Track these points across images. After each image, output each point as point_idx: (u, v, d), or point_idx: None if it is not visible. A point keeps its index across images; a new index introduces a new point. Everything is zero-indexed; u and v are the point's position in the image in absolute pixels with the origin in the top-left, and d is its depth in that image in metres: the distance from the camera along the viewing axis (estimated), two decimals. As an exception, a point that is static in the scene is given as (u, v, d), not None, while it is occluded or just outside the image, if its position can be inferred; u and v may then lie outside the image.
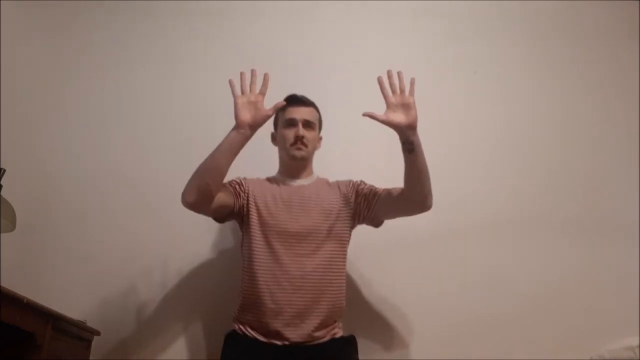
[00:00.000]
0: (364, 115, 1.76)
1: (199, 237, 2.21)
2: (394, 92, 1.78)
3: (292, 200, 1.90)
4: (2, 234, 2.01)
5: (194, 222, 1.95)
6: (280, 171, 2.04)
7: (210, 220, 1.91)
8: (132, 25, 2.58)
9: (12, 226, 1.96)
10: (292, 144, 1.94)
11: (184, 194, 1.77)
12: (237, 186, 1.91)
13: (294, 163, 1.97)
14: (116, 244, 2.25)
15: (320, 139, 2.07)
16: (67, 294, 2.10)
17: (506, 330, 2.16)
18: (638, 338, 1.69)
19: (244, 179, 1.95)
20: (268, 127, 1.97)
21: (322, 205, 1.90)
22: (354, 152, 2.33)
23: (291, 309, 1.77)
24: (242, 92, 1.78)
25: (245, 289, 1.84)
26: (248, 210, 1.88)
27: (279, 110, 1.95)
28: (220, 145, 1.76)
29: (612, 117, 2.52)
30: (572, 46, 2.61)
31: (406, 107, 1.76)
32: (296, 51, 2.53)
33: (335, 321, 1.86)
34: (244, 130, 1.75)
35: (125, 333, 2.13)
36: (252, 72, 1.78)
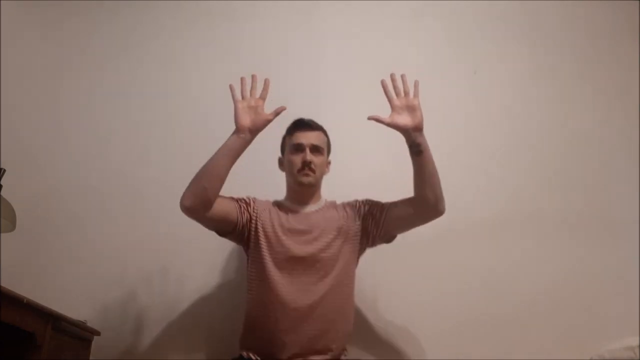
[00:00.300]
0: (369, 118, 1.75)
1: (200, 239, 2.19)
2: (398, 95, 1.79)
3: (299, 227, 1.85)
4: (2, 234, 2.01)
5: (195, 224, 1.94)
6: (287, 197, 1.97)
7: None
8: (132, 25, 2.59)
9: (12, 226, 1.96)
10: (300, 170, 1.88)
11: (181, 198, 1.75)
12: (244, 205, 1.87)
13: (302, 189, 1.91)
14: (116, 244, 2.25)
15: (329, 163, 2.01)
16: (67, 294, 2.10)
17: (506, 330, 2.16)
18: (638, 338, 1.69)
19: (254, 200, 1.91)
20: (275, 146, 1.97)
21: (330, 232, 1.84)
22: (354, 152, 2.33)
23: (298, 337, 1.73)
24: (243, 97, 1.78)
25: (250, 314, 1.82)
26: (256, 235, 1.84)
27: (286, 135, 1.96)
28: (219, 150, 1.75)
29: (612, 116, 2.52)
30: (572, 46, 2.61)
31: (411, 109, 1.76)
32: (296, 51, 2.53)
33: (343, 349, 1.82)
34: (244, 135, 1.74)
35: (125, 333, 2.14)
36: (253, 77, 1.78)
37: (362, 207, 1.92)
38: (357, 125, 2.17)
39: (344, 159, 2.09)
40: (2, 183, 1.86)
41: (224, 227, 1.85)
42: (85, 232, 2.27)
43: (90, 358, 1.99)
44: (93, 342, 2.00)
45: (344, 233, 1.86)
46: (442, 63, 2.55)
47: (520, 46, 2.60)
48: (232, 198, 1.86)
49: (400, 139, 1.80)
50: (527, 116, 2.50)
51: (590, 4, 2.67)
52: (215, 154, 1.75)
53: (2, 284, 1.44)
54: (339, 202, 1.98)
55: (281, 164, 2.00)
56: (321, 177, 1.96)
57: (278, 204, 1.95)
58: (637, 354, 1.63)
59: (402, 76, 1.79)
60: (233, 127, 1.76)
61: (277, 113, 1.75)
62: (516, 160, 2.43)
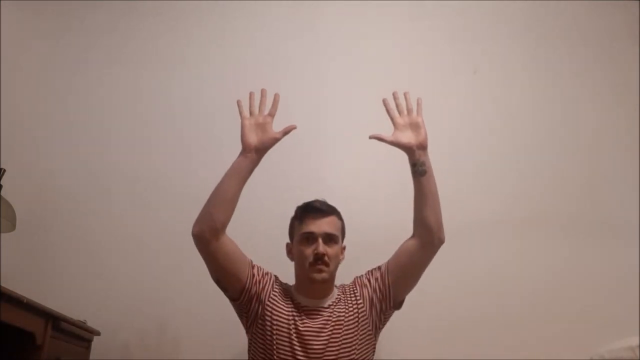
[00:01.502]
0: (371, 137, 1.70)
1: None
2: (400, 112, 1.74)
3: (309, 331, 1.67)
4: (2, 234, 2.01)
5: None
6: (297, 289, 1.77)
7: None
8: (131, 25, 2.58)
9: (12, 226, 1.96)
10: (312, 264, 1.69)
11: (192, 226, 1.65)
12: (257, 274, 1.72)
13: (314, 286, 1.73)
14: (116, 244, 2.25)
15: (344, 248, 1.81)
16: (67, 294, 2.10)
17: (506, 330, 2.16)
18: (638, 338, 1.69)
19: (276, 279, 1.76)
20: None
21: (342, 332, 1.68)
22: (354, 153, 2.33)
23: None
24: (251, 113, 1.69)
25: None
26: (263, 322, 1.69)
27: (295, 221, 1.80)
28: (226, 172, 1.66)
29: (612, 117, 2.52)
30: (572, 46, 2.61)
31: (415, 126, 1.71)
32: (295, 52, 2.53)
33: None
34: (251, 155, 1.65)
35: (125, 333, 2.14)
36: (262, 92, 1.70)
37: (364, 285, 1.77)
38: (358, 127, 2.18)
39: (346, 168, 2.07)
40: (2, 183, 1.86)
41: (229, 282, 1.71)
42: (86, 232, 2.27)
43: (90, 358, 1.99)
44: (93, 342, 2.00)
45: (355, 328, 1.71)
46: (442, 63, 2.55)
47: (520, 46, 2.60)
48: (247, 258, 1.73)
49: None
50: (527, 116, 2.50)
51: (590, 4, 2.67)
52: (223, 177, 1.66)
53: (2, 284, 1.44)
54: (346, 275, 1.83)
55: (289, 251, 1.81)
56: (336, 269, 1.76)
57: (287, 294, 1.76)
58: (637, 354, 1.63)
59: (405, 94, 1.75)
60: (235, 130, 1.71)
61: (285, 132, 1.67)
62: (516, 161, 2.43)
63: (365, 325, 1.73)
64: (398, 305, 1.82)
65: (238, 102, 1.70)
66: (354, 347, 1.68)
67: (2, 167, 1.87)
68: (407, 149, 1.70)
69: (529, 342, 2.15)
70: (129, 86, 2.48)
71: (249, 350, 1.76)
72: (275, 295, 1.73)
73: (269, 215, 2.19)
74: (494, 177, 2.39)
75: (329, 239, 1.73)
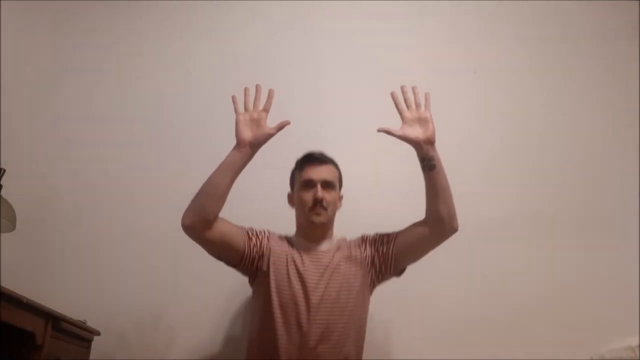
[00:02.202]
0: (379, 130, 1.71)
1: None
2: (409, 107, 1.74)
3: (311, 269, 1.76)
4: (2, 234, 2.01)
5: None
6: (298, 234, 1.88)
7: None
8: (131, 26, 2.59)
9: (12, 226, 1.96)
10: (311, 208, 1.79)
11: (182, 217, 1.69)
12: (256, 238, 1.79)
13: (313, 229, 1.82)
14: (116, 243, 2.25)
15: (341, 197, 1.91)
16: (67, 294, 2.11)
17: (506, 330, 2.16)
18: (638, 338, 1.69)
19: (269, 235, 1.83)
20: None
21: (342, 274, 1.76)
22: (354, 153, 2.32)
23: None
24: (245, 109, 1.72)
25: (253, 352, 1.74)
26: (266, 272, 1.75)
27: (295, 171, 1.88)
28: (219, 165, 1.69)
29: (613, 117, 2.52)
30: (572, 46, 2.61)
31: (423, 121, 1.72)
32: (296, 51, 2.53)
33: None
34: (245, 149, 1.68)
35: (125, 333, 2.13)
36: (257, 87, 1.72)
37: (370, 244, 1.85)
38: (357, 127, 2.19)
39: (346, 164, 2.06)
40: (2, 183, 1.86)
41: (229, 256, 1.78)
42: (85, 232, 2.27)
43: (90, 358, 1.99)
44: (93, 342, 2.00)
45: (355, 276, 1.78)
46: (442, 63, 2.55)
47: (520, 46, 2.60)
48: (241, 227, 1.79)
49: (401, 144, 1.78)
50: (527, 116, 2.50)
51: (590, 4, 2.67)
52: (215, 170, 1.69)
53: (2, 284, 1.44)
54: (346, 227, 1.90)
55: (290, 200, 1.91)
56: (333, 214, 1.86)
57: (289, 241, 1.86)
58: (637, 354, 1.63)
59: (413, 88, 1.75)
60: (232, 127, 1.73)
61: (280, 127, 1.69)
62: (515, 161, 2.43)
63: (364, 276, 1.80)
64: (398, 272, 1.88)
65: (233, 98, 1.73)
66: (353, 291, 1.75)
67: (2, 167, 1.87)
68: (415, 143, 1.71)
69: (529, 342, 2.15)
70: (129, 86, 2.49)
71: (252, 302, 1.82)
72: (275, 243, 1.81)
73: (268, 215, 2.18)
74: (492, 178, 2.39)
75: (327, 185, 1.81)
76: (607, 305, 2.20)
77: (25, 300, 1.51)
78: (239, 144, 1.69)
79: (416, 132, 1.71)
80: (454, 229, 1.75)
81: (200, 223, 1.68)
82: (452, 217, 1.74)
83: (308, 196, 1.80)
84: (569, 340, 2.13)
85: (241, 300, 2.15)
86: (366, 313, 1.81)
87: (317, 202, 1.79)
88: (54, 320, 1.68)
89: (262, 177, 2.07)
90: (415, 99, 1.75)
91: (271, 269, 1.75)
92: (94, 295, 2.17)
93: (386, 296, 2.18)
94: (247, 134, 1.69)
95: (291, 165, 1.93)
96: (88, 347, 1.98)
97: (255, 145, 1.70)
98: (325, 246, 1.84)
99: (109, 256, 2.23)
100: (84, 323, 1.93)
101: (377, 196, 1.98)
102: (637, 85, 2.55)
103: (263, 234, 1.83)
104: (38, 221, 2.26)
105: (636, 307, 2.15)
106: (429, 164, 1.70)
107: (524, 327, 2.17)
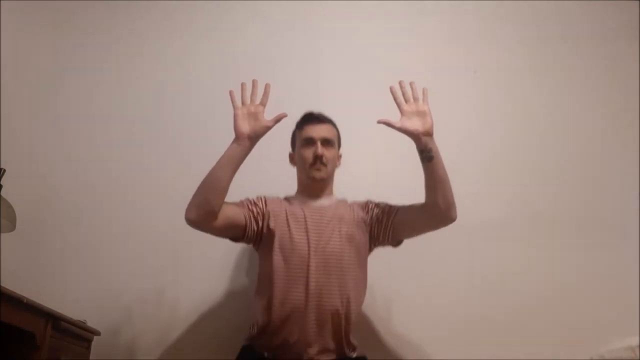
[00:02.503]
0: (379, 122, 1.74)
1: (202, 237, 2.20)
2: (407, 100, 1.79)
3: (313, 222, 1.82)
4: (2, 234, 2.01)
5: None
6: (299, 191, 1.96)
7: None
8: (131, 25, 2.59)
9: (12, 226, 1.96)
10: (311, 165, 1.87)
11: (186, 211, 1.73)
12: (254, 209, 1.84)
13: (314, 184, 1.91)
14: (116, 243, 2.25)
15: (340, 156, 1.99)
16: (67, 294, 2.10)
17: (506, 330, 2.16)
18: (638, 338, 1.69)
19: (265, 200, 1.88)
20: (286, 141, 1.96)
21: (343, 228, 1.83)
22: (353, 151, 2.32)
23: (310, 330, 1.71)
24: (243, 103, 1.76)
25: (260, 313, 1.77)
26: (268, 233, 1.81)
27: (296, 130, 1.95)
28: (219, 159, 1.73)
29: (613, 117, 2.52)
30: (572, 46, 2.61)
31: (421, 114, 1.76)
32: (296, 52, 2.53)
33: (351, 348, 1.79)
34: (244, 142, 1.72)
35: (125, 333, 2.13)
36: (253, 82, 1.76)
37: (372, 208, 1.91)
38: (357, 127, 2.19)
39: (346, 164, 2.07)
40: (2, 183, 1.86)
41: (234, 234, 1.84)
42: (85, 232, 2.27)
43: (90, 358, 1.99)
44: (93, 342, 2.00)
45: (356, 232, 1.85)
46: (442, 63, 2.55)
47: (520, 46, 2.60)
48: (239, 203, 1.83)
49: (402, 141, 1.79)
50: (527, 116, 2.50)
51: (590, 4, 2.67)
52: (216, 164, 1.73)
53: (2, 284, 1.44)
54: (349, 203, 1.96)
55: (292, 159, 1.99)
56: (333, 171, 1.95)
57: (289, 200, 1.94)
58: (637, 354, 1.63)
59: (411, 83, 1.80)
60: (231, 128, 1.75)
61: (277, 120, 1.73)
62: (515, 161, 2.43)
63: (364, 234, 1.87)
64: (395, 243, 1.93)
65: (230, 93, 1.77)
66: (353, 244, 1.82)
67: (2, 167, 1.87)
68: (414, 135, 1.75)
69: (529, 341, 2.15)
70: (129, 86, 2.48)
71: (259, 266, 1.87)
72: (273, 204, 1.87)
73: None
74: (492, 178, 2.39)
75: (327, 142, 1.90)
76: (607, 305, 2.20)
77: (25, 300, 1.51)
78: (238, 137, 1.73)
79: (415, 124, 1.75)
80: (451, 219, 1.79)
81: (206, 216, 1.72)
82: (450, 207, 1.77)
83: (308, 153, 1.88)
84: (569, 340, 2.13)
85: (241, 300, 2.15)
86: (365, 271, 1.87)
87: (317, 159, 1.87)
88: (54, 320, 1.68)
89: (261, 170, 2.08)
90: (413, 93, 1.80)
91: (272, 228, 1.81)
92: (94, 295, 2.16)
93: (386, 296, 2.19)
94: (245, 127, 1.73)
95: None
96: (88, 347, 1.98)
97: (253, 138, 1.74)
98: (325, 201, 1.91)
99: (109, 256, 2.23)
100: (84, 323, 1.93)
101: (377, 196, 1.98)
102: (637, 85, 2.55)
103: (260, 200, 1.88)
104: (38, 221, 2.26)
105: (636, 307, 2.15)
106: (427, 156, 1.74)
107: (524, 327, 2.17)
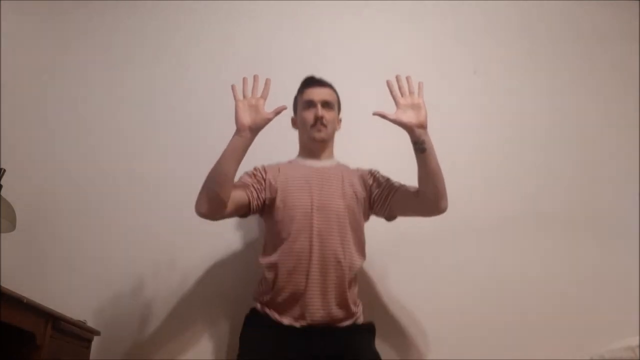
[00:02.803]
0: (375, 114, 1.78)
1: (201, 239, 2.21)
2: (403, 94, 1.82)
3: (314, 180, 1.89)
4: (2, 234, 2.01)
5: (195, 225, 1.94)
6: (300, 153, 2.04)
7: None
8: (131, 25, 2.59)
9: (12, 226, 1.96)
10: (312, 126, 1.95)
11: (196, 206, 1.78)
12: (255, 184, 1.89)
13: (315, 145, 1.98)
14: (116, 243, 2.25)
15: (340, 120, 2.07)
16: (67, 294, 2.10)
17: (506, 330, 2.16)
18: (638, 338, 1.69)
19: (263, 170, 1.94)
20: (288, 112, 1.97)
21: (345, 187, 1.90)
22: (353, 151, 2.32)
23: (315, 285, 1.78)
24: (244, 96, 1.79)
25: (267, 269, 1.84)
26: (272, 198, 1.88)
27: (297, 94, 2.02)
28: (223, 153, 1.76)
29: (613, 117, 2.52)
30: (572, 46, 2.61)
31: (416, 107, 1.80)
32: (297, 51, 2.53)
33: (355, 305, 1.87)
34: (245, 133, 1.75)
35: (125, 333, 2.13)
36: (255, 77, 1.79)
37: (375, 179, 1.96)
38: (358, 128, 2.19)
39: (346, 163, 2.07)
40: (2, 183, 1.86)
41: (242, 213, 1.89)
42: (85, 231, 2.27)
43: (90, 358, 1.99)
44: (93, 342, 2.00)
45: (357, 193, 1.91)
46: (442, 63, 2.55)
47: (520, 46, 2.60)
48: (241, 184, 1.87)
49: (398, 136, 1.81)
50: (527, 116, 2.50)
51: (590, 4, 2.67)
52: (220, 157, 1.76)
53: (2, 284, 1.44)
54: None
55: (294, 122, 2.06)
56: (333, 133, 2.01)
57: (291, 162, 2.00)
58: (637, 354, 1.63)
59: (407, 77, 1.83)
60: (231, 124, 1.76)
61: (277, 112, 1.77)
62: (515, 161, 2.43)
63: (365, 199, 1.93)
64: (390, 218, 1.99)
65: (232, 87, 1.80)
66: (355, 205, 1.89)
67: (2, 167, 1.87)
68: (408, 127, 1.78)
69: (529, 341, 2.15)
70: (130, 85, 2.48)
71: (265, 231, 1.94)
72: (272, 172, 1.92)
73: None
74: (492, 178, 2.38)
75: (327, 105, 1.97)
76: (607, 305, 2.20)
77: (25, 300, 1.51)
78: (239, 129, 1.76)
79: (409, 117, 1.78)
80: (440, 209, 1.84)
81: (217, 207, 1.78)
82: (440, 198, 1.81)
83: (309, 115, 1.95)
84: (569, 340, 2.13)
85: (241, 300, 2.15)
86: (363, 235, 1.93)
87: (318, 120, 1.94)
88: (54, 320, 1.68)
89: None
90: (409, 87, 1.83)
91: (275, 192, 1.87)
92: (94, 295, 2.16)
93: (386, 295, 2.19)
94: (247, 119, 1.76)
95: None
96: (88, 347, 1.98)
97: (254, 130, 1.77)
98: (327, 162, 1.99)
99: (108, 256, 2.23)
100: (84, 323, 1.93)
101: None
102: (637, 85, 2.55)
103: (258, 171, 1.93)
104: (38, 221, 2.26)
105: (636, 307, 2.15)
106: (420, 147, 1.77)
107: (524, 327, 2.17)
